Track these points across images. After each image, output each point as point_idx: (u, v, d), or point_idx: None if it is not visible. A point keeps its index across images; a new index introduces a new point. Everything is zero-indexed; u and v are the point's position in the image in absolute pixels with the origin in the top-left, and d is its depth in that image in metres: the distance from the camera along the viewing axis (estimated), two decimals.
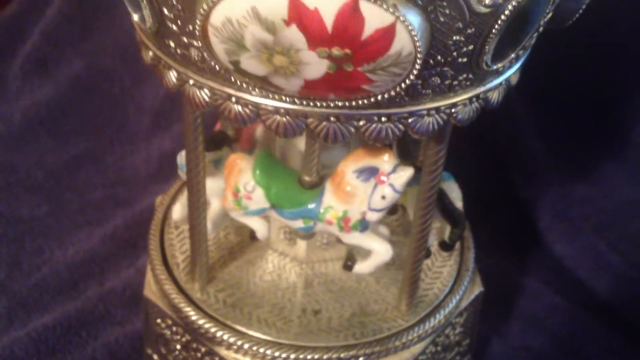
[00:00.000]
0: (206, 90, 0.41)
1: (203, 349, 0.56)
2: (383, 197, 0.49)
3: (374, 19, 0.33)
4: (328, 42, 0.34)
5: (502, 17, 0.36)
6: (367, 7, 0.32)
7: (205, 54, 0.39)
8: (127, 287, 0.76)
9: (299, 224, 0.53)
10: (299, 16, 0.33)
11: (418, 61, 0.35)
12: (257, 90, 0.40)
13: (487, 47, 0.38)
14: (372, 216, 0.50)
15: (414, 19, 0.33)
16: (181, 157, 0.59)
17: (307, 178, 0.52)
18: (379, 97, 0.39)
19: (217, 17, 0.36)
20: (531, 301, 0.78)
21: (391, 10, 0.32)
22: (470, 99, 0.42)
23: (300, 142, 0.54)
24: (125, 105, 0.99)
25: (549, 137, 0.85)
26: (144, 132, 0.98)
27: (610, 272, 0.77)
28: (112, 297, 0.75)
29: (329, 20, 0.33)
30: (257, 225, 0.56)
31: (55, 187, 0.90)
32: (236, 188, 0.53)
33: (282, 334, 0.55)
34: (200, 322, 0.55)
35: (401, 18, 0.33)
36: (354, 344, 0.54)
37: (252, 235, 0.57)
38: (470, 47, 0.37)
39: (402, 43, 0.34)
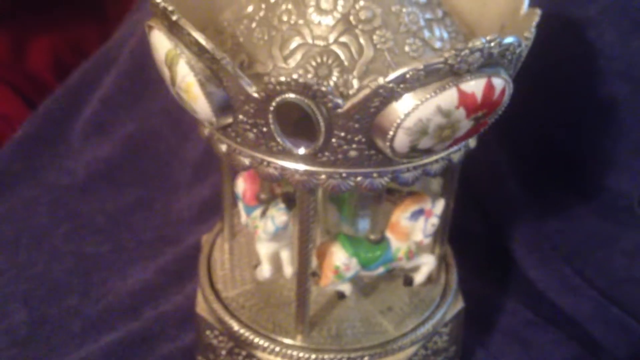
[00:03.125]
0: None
1: (243, 353, 0.66)
2: (433, 225, 0.64)
3: (498, 85, 0.48)
4: (477, 110, 0.48)
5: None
6: (495, 80, 0.47)
7: (381, 150, 0.49)
8: (177, 310, 0.82)
9: (380, 270, 0.65)
10: (464, 101, 0.47)
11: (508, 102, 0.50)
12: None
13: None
14: (427, 240, 0.65)
15: (508, 78, 0.49)
16: (277, 221, 0.62)
17: (373, 237, 0.64)
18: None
19: (410, 121, 0.46)
20: (509, 317, 0.85)
21: (504, 78, 0.47)
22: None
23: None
24: (170, 160, 1.06)
25: (524, 181, 0.90)
26: (186, 182, 1.04)
27: (573, 293, 0.83)
28: (166, 319, 0.81)
29: (479, 96, 0.47)
30: (346, 286, 0.65)
31: (115, 229, 0.96)
32: (335, 267, 0.62)
33: (388, 333, 0.65)
34: (238, 329, 0.65)
35: (507, 80, 0.48)
36: (432, 314, 0.67)
37: (341, 295, 0.67)
38: None
39: (507, 94, 0.50)
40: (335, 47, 0.52)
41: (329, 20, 0.52)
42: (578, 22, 0.83)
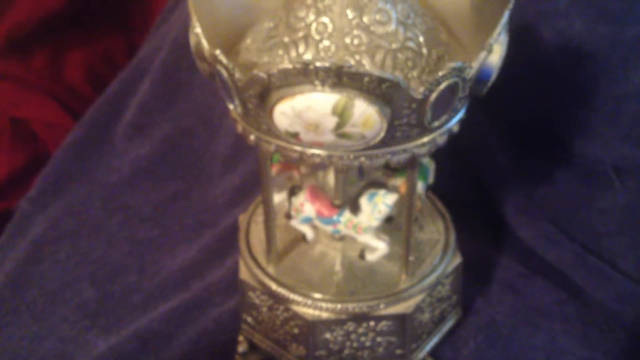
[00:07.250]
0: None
1: (281, 307, 0.74)
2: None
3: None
4: None
5: None
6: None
7: (473, 94, 0.61)
8: (221, 281, 0.91)
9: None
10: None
11: None
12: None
13: None
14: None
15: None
16: (389, 202, 0.70)
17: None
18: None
19: (500, 61, 0.60)
20: (503, 271, 0.93)
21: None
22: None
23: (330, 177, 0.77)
24: (203, 154, 1.13)
25: (512, 154, 0.98)
26: (218, 173, 1.10)
27: (558, 247, 0.90)
28: (212, 288, 0.90)
29: None
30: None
31: (160, 217, 1.04)
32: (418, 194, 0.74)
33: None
34: (276, 288, 0.74)
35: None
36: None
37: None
38: None
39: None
40: (407, 44, 0.63)
41: (392, 27, 0.63)
42: (550, 14, 0.93)
